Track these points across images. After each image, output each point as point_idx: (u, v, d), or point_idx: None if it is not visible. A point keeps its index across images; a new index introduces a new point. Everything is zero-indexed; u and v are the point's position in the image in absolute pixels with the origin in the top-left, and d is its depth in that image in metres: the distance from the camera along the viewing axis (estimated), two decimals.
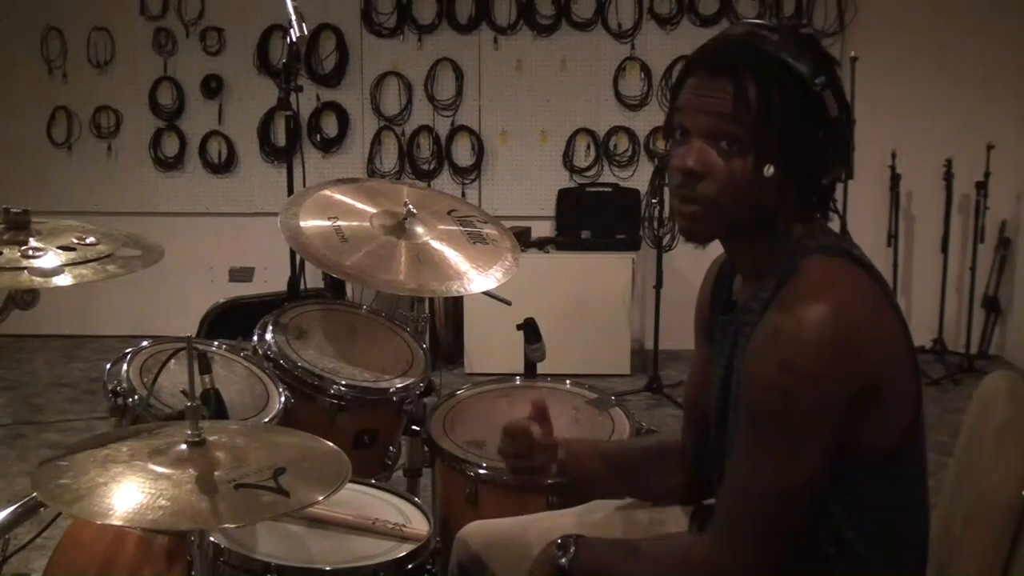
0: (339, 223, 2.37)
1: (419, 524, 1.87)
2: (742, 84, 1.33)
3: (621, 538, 1.61)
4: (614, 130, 5.78)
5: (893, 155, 5.38)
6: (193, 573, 1.60)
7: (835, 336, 1.27)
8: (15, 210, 1.58)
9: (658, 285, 4.97)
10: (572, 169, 5.82)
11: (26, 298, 1.57)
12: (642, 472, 1.73)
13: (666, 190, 4.89)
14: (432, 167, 5.90)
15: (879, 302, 1.35)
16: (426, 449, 2.29)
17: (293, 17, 3.10)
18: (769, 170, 1.33)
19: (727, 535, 1.37)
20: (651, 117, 5.74)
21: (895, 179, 5.40)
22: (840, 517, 1.36)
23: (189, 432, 1.46)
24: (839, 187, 1.49)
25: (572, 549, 1.50)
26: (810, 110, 1.33)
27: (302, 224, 2.34)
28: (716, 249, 1.67)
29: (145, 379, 2.14)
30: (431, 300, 5.08)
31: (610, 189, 5.71)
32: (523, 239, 5.24)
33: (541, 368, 2.62)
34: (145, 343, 2.29)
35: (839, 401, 1.29)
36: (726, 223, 1.40)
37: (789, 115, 1.33)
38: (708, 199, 1.36)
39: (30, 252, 1.53)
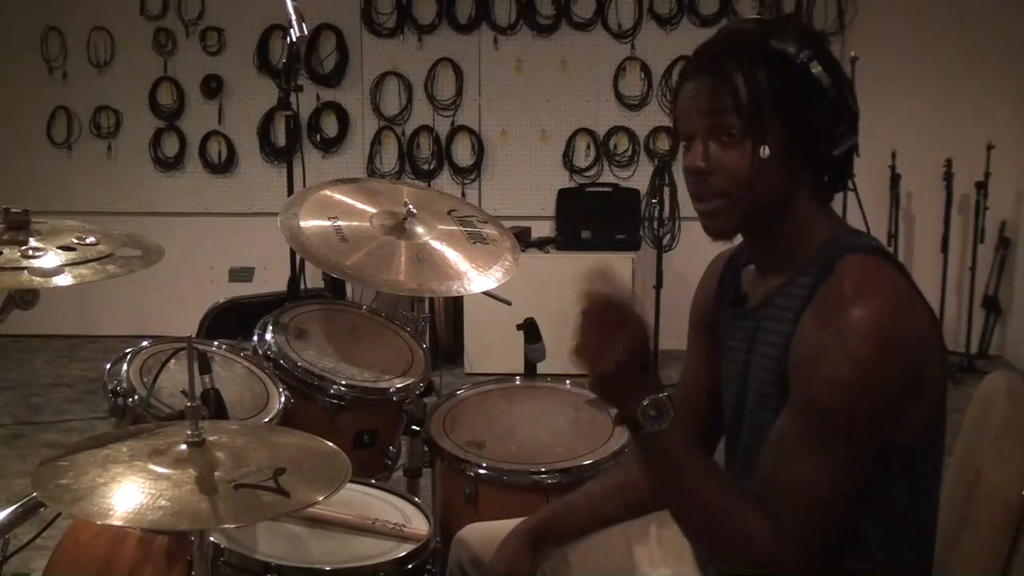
0: (339, 223, 2.37)
1: (419, 524, 1.87)
2: (724, 75, 1.36)
3: (707, 458, 1.43)
4: (614, 130, 5.78)
5: (893, 155, 5.38)
6: (193, 573, 1.60)
7: (894, 332, 1.28)
8: (15, 210, 1.58)
9: (658, 285, 4.96)
10: (572, 169, 5.82)
11: (26, 298, 1.57)
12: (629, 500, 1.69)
13: (666, 190, 4.91)
14: (432, 167, 5.90)
15: (917, 300, 1.36)
16: (426, 449, 2.29)
17: (293, 17, 3.10)
18: (764, 151, 1.35)
19: (785, 534, 1.32)
20: (651, 117, 5.74)
21: (895, 179, 5.40)
22: (854, 512, 1.36)
23: (189, 432, 1.46)
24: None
25: (669, 419, 1.31)
26: (800, 84, 1.35)
27: (302, 224, 2.34)
28: (719, 247, 1.68)
29: (145, 379, 2.14)
30: (431, 300, 5.09)
31: (610, 189, 5.70)
32: (523, 239, 5.24)
33: (541, 368, 2.62)
34: (145, 343, 2.29)
35: (893, 397, 1.30)
36: (745, 213, 1.41)
37: (779, 93, 1.35)
38: (721, 192, 1.39)
39: (30, 252, 1.53)
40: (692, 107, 1.39)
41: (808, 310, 1.35)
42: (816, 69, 1.35)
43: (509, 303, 2.68)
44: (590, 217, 5.57)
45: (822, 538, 1.33)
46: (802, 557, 1.31)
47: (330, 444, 1.59)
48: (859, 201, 4.73)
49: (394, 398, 2.39)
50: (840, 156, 1.39)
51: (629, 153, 5.78)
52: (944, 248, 5.40)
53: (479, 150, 5.87)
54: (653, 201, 4.90)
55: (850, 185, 4.85)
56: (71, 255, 1.55)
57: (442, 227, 2.46)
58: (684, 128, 1.41)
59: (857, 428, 1.29)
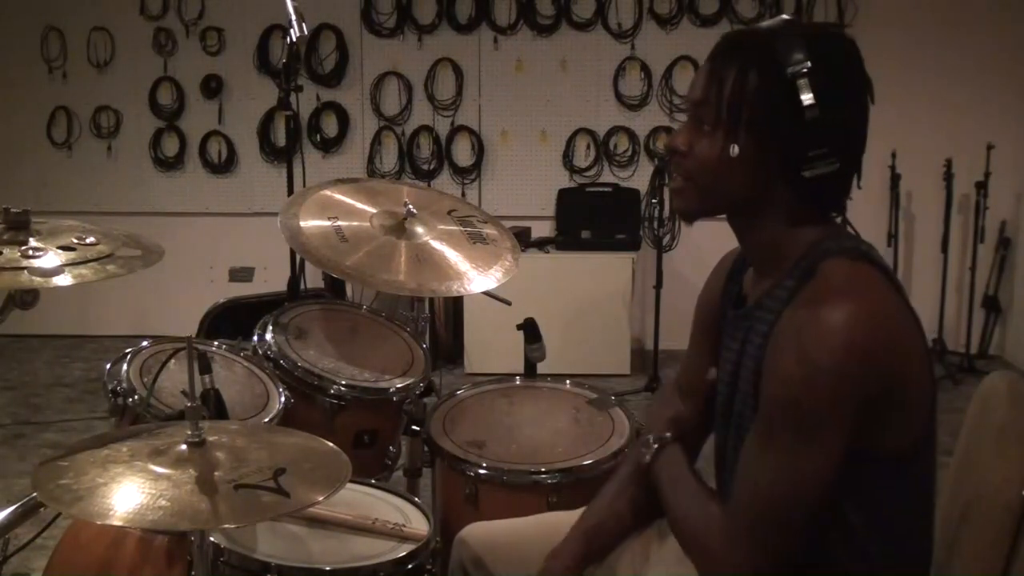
0: (339, 223, 2.37)
1: (419, 524, 1.87)
2: (722, 67, 1.39)
3: (687, 473, 1.55)
4: (614, 130, 5.78)
5: (893, 155, 5.37)
6: (193, 573, 1.61)
7: (855, 336, 1.27)
8: (15, 210, 1.58)
9: (658, 285, 4.97)
10: (572, 169, 5.82)
11: (26, 298, 1.57)
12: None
13: (666, 190, 4.91)
14: (432, 167, 5.90)
15: (899, 307, 1.35)
16: (426, 449, 2.29)
17: (293, 17, 3.10)
18: (734, 150, 1.37)
19: (737, 529, 1.36)
20: (651, 117, 5.74)
21: (895, 179, 5.40)
22: (852, 515, 1.36)
23: (189, 432, 1.46)
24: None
25: (655, 449, 1.57)
26: (778, 95, 1.35)
27: (302, 224, 2.34)
28: (719, 248, 1.68)
29: (145, 379, 2.14)
30: (431, 300, 5.09)
31: (610, 189, 5.70)
32: (523, 239, 5.24)
33: (541, 368, 2.62)
34: (145, 343, 2.29)
35: (852, 400, 1.29)
36: (706, 202, 1.45)
37: (762, 99, 1.35)
38: (687, 176, 1.45)
39: (30, 252, 1.53)
40: (691, 89, 1.45)
41: (785, 312, 1.36)
42: (804, 90, 1.32)
43: (509, 303, 2.68)
44: (590, 217, 5.57)
45: (777, 536, 1.33)
46: (755, 553, 1.33)
47: (330, 444, 1.59)
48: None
49: (394, 398, 2.39)
50: (815, 179, 1.36)
51: (629, 153, 5.78)
52: (944, 248, 5.40)
53: (479, 150, 5.87)
54: (653, 201, 4.90)
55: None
56: (71, 255, 1.55)
57: (442, 227, 2.46)
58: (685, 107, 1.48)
59: (806, 423, 1.29)
